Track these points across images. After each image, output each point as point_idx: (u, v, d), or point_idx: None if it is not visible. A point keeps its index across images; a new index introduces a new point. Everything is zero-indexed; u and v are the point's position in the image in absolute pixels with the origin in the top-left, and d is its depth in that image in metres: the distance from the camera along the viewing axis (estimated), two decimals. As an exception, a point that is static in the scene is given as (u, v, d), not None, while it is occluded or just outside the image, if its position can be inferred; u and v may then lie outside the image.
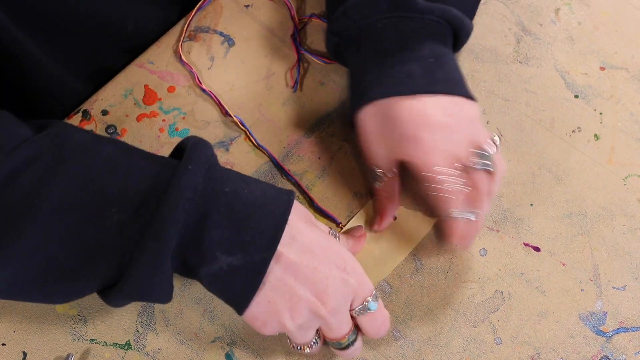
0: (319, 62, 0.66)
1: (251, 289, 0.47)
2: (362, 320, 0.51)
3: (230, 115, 0.63)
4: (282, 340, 0.55)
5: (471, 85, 0.66)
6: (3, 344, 0.54)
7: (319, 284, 0.48)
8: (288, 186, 0.61)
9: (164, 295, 0.48)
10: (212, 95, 0.64)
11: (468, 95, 0.55)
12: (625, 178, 0.62)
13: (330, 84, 0.66)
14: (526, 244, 0.59)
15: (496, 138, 0.54)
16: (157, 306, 0.56)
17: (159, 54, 0.66)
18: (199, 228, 0.46)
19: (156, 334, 0.55)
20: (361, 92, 0.56)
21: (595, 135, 0.64)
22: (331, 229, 0.54)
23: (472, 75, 0.66)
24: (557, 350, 0.55)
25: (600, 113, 0.65)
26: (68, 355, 0.54)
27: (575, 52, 0.68)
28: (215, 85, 0.65)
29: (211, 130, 0.63)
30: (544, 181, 0.62)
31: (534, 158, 0.63)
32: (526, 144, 0.63)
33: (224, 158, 0.62)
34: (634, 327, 0.56)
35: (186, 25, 0.67)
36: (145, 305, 0.56)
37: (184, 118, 0.64)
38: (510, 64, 0.67)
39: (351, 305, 0.50)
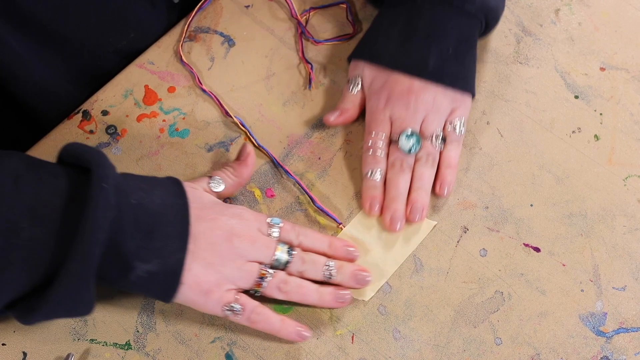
0: (339, 42, 0.68)
1: (172, 287, 0.51)
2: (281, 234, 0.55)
3: (230, 116, 0.63)
4: (282, 339, 0.55)
5: (471, 85, 0.66)
6: (3, 344, 0.54)
7: (225, 228, 0.52)
8: (289, 186, 0.61)
9: (87, 309, 0.50)
10: (213, 96, 0.64)
11: (468, 90, 0.61)
12: (626, 179, 0.62)
13: (330, 84, 0.66)
14: (526, 245, 0.59)
15: (459, 127, 0.61)
16: (157, 306, 0.56)
17: (159, 54, 0.66)
18: (115, 242, 0.48)
19: (156, 334, 0.55)
20: (375, 50, 0.62)
21: (596, 136, 0.64)
22: (210, 177, 0.56)
23: (472, 75, 0.66)
24: (557, 350, 0.55)
25: (601, 114, 0.65)
26: (68, 355, 0.54)
27: (575, 53, 0.68)
28: (215, 86, 0.65)
29: (211, 131, 0.63)
30: (544, 182, 0.62)
31: (534, 158, 0.63)
32: (526, 145, 0.63)
33: (224, 159, 0.62)
34: (634, 328, 0.56)
35: (186, 26, 0.67)
36: (145, 305, 0.56)
37: (184, 118, 0.64)
38: (511, 64, 0.67)
39: (262, 231, 0.54)
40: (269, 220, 0.55)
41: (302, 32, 0.68)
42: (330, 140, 0.63)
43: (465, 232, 0.60)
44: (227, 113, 0.64)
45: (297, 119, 0.64)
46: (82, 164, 0.50)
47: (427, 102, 0.60)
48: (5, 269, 0.46)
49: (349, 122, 0.63)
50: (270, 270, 0.53)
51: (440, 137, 0.60)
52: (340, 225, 0.60)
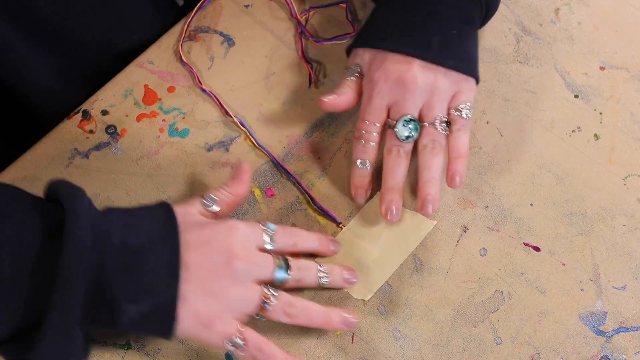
0: (339, 42, 0.67)
1: (169, 324, 0.48)
2: (277, 241, 0.54)
3: (230, 116, 0.63)
4: (282, 339, 0.55)
5: (471, 85, 0.66)
6: (3, 344, 0.54)
7: (222, 251, 0.50)
8: (289, 186, 0.61)
9: (79, 357, 0.47)
10: (212, 96, 0.64)
11: (472, 74, 0.58)
12: (625, 178, 0.62)
13: (330, 84, 0.66)
14: (526, 244, 0.59)
15: (465, 112, 0.57)
16: (157, 306, 0.56)
17: (159, 54, 0.66)
18: (100, 288, 0.46)
19: (156, 334, 0.55)
20: (374, 35, 0.59)
21: (595, 135, 0.64)
22: (203, 196, 0.54)
23: (472, 75, 0.66)
24: (557, 350, 0.55)
25: (600, 113, 0.65)
26: (68, 356, 0.54)
27: (575, 52, 0.68)
28: (215, 85, 0.65)
29: (211, 130, 0.63)
30: (544, 181, 0.62)
31: (534, 158, 0.63)
32: (526, 144, 0.63)
33: (224, 158, 0.62)
34: (634, 327, 0.56)
35: (186, 25, 0.67)
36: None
37: (183, 118, 0.64)
38: (510, 64, 0.67)
39: (259, 244, 0.53)
40: (262, 226, 0.53)
41: (302, 32, 0.68)
42: (330, 140, 0.63)
43: (465, 232, 0.60)
44: (226, 113, 0.64)
45: (296, 118, 0.64)
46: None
47: (428, 85, 0.56)
48: None
49: (345, 108, 0.59)
50: (275, 293, 0.51)
51: (445, 122, 0.57)
52: (340, 225, 0.60)
